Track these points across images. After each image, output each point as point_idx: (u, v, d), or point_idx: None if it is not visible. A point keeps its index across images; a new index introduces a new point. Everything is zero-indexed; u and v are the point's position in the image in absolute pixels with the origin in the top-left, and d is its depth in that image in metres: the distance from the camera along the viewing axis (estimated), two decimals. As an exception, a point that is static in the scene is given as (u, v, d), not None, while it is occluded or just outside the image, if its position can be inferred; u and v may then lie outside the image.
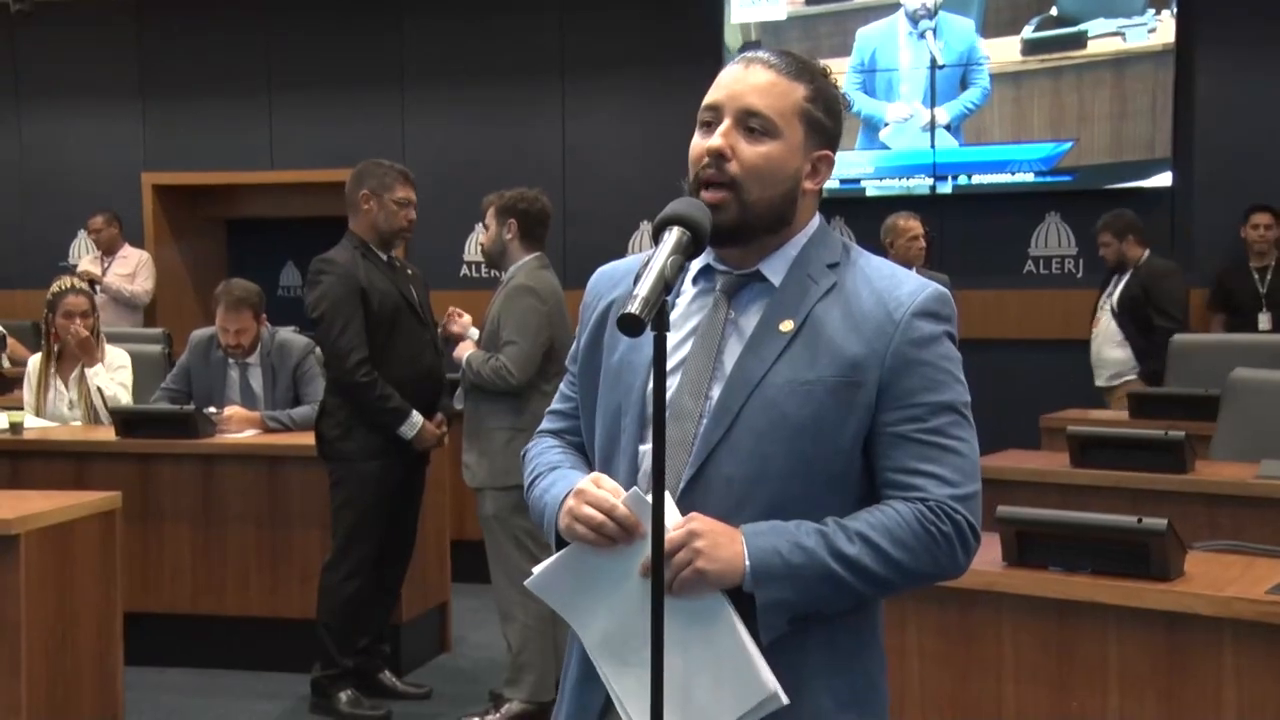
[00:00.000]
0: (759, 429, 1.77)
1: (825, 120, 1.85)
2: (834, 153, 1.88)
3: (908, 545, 1.75)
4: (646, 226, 8.20)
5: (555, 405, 2.05)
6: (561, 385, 2.05)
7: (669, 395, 1.80)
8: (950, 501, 1.76)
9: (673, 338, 1.84)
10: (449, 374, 5.45)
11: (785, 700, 1.73)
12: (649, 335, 1.67)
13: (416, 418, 4.65)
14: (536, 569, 1.86)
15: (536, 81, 8.57)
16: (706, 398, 1.80)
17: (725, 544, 1.73)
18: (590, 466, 1.92)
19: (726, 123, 1.81)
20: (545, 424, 2.06)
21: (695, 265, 1.89)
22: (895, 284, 1.82)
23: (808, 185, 1.85)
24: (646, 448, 1.82)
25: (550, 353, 4.54)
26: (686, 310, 1.88)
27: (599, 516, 1.76)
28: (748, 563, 1.72)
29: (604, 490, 1.78)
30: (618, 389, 1.87)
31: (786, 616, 1.74)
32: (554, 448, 2.00)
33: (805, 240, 1.87)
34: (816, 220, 1.90)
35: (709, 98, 1.85)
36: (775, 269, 1.85)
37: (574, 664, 1.91)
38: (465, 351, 4.60)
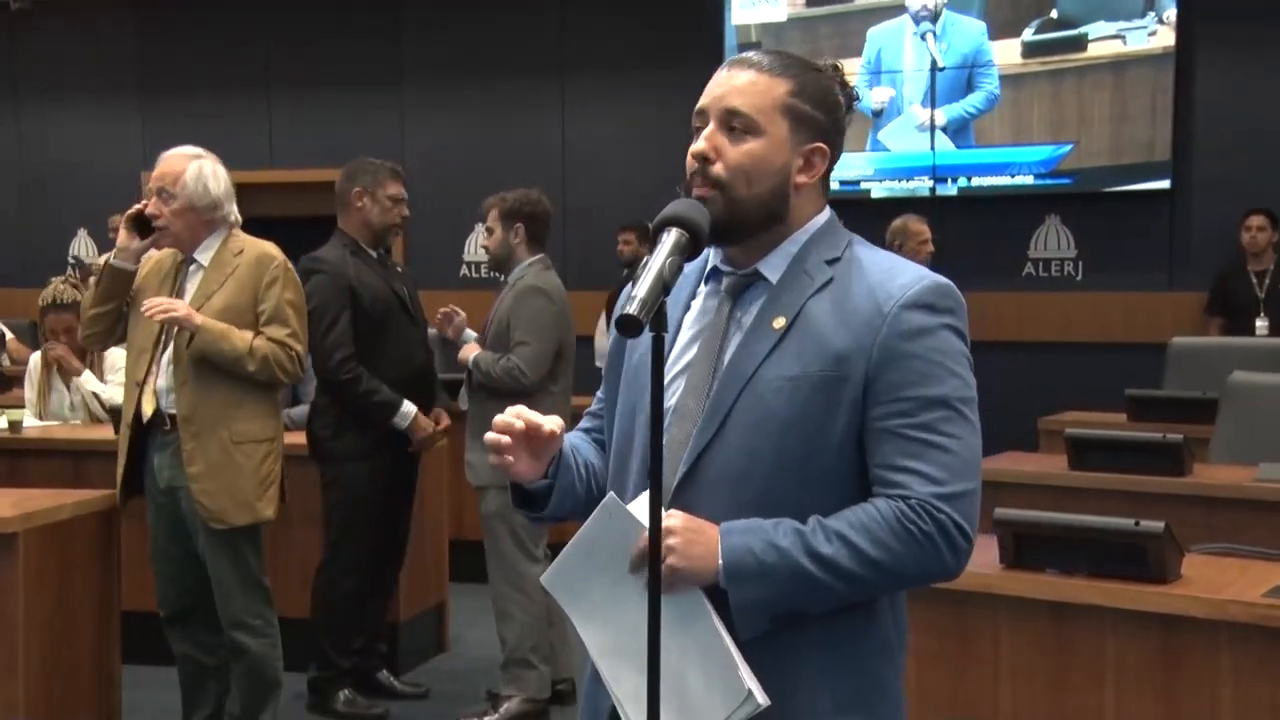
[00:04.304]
0: (748, 426, 1.77)
1: (814, 113, 1.84)
2: (831, 146, 1.87)
3: (886, 545, 1.72)
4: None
5: (591, 407, 2.08)
6: (600, 389, 2.07)
7: (675, 398, 1.83)
8: (933, 500, 1.72)
9: (681, 339, 1.87)
10: (449, 374, 5.44)
11: (764, 702, 1.71)
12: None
13: (408, 407, 4.63)
14: (551, 565, 1.89)
15: (536, 81, 8.58)
16: (707, 398, 1.81)
17: (700, 541, 1.74)
18: (605, 463, 1.96)
19: (711, 126, 1.83)
20: (580, 424, 2.09)
21: (698, 269, 1.91)
22: (890, 276, 1.80)
23: (801, 180, 1.85)
24: None
25: (558, 353, 4.55)
26: (699, 312, 1.89)
27: (493, 436, 1.88)
28: (721, 561, 1.73)
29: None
30: (633, 389, 1.90)
31: (764, 615, 1.74)
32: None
33: (807, 237, 1.86)
34: (824, 216, 1.89)
35: (699, 104, 1.86)
36: (774, 267, 1.85)
37: (590, 665, 1.92)
38: (470, 353, 4.58)
